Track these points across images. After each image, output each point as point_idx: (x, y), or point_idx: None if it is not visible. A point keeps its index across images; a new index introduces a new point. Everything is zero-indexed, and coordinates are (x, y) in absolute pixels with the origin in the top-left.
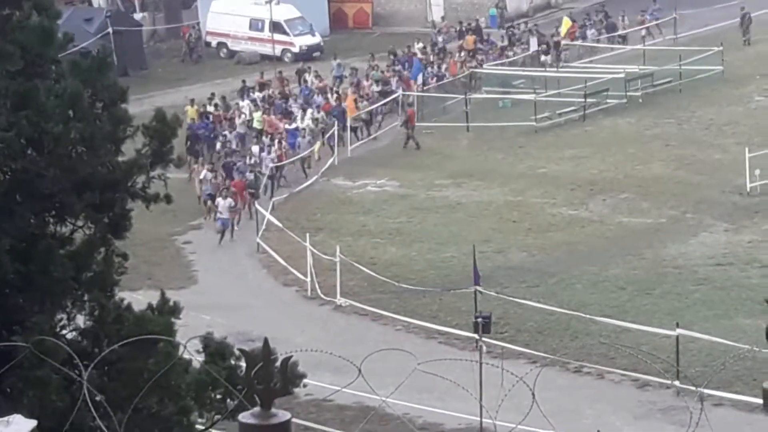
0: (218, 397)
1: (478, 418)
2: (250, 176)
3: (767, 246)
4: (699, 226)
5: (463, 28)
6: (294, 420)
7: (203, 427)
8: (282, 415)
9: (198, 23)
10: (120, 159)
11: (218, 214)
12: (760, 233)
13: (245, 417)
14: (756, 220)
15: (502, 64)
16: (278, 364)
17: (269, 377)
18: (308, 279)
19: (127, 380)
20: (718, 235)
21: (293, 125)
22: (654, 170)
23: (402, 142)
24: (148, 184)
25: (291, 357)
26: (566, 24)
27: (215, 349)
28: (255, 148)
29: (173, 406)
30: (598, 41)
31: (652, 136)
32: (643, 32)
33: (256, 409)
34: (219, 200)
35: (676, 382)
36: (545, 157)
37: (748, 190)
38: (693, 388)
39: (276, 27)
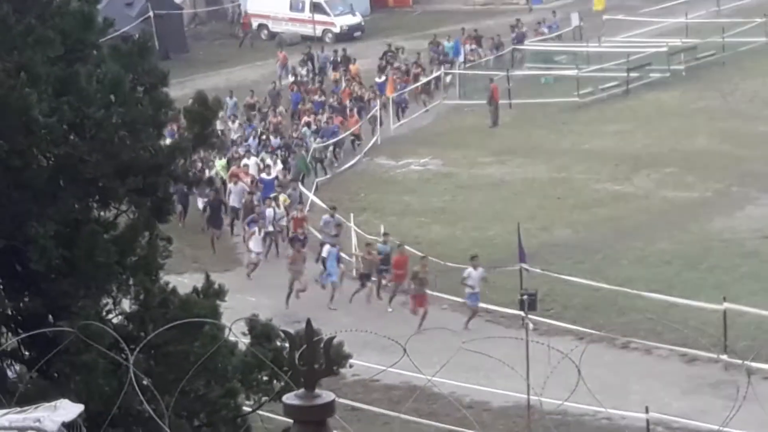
0: (264, 378)
1: (525, 396)
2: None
3: None
4: (745, 199)
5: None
6: (341, 400)
7: (250, 409)
8: (326, 395)
9: (239, 4)
10: (162, 143)
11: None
12: None
13: (289, 398)
14: None
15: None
16: (322, 344)
17: (313, 358)
18: (353, 259)
19: (174, 364)
20: (764, 208)
21: (271, 174)
22: (698, 144)
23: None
24: (190, 167)
25: (334, 337)
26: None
27: (261, 331)
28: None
29: (220, 388)
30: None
31: (695, 109)
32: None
33: (301, 390)
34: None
35: (724, 356)
36: (589, 132)
37: None
38: (740, 362)
39: (316, 7)
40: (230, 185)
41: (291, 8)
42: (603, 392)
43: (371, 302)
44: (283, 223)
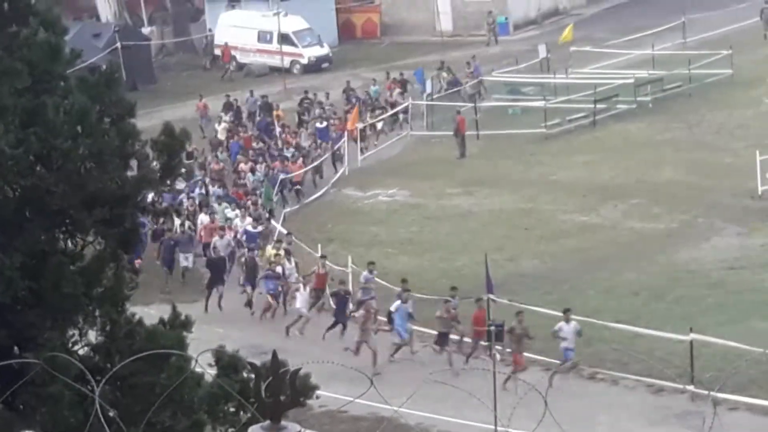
0: (231, 410)
1: (493, 427)
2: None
3: None
4: (711, 230)
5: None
6: None
7: None
8: (292, 427)
9: (207, 36)
10: (129, 174)
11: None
12: None
13: (255, 430)
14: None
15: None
16: (287, 376)
17: (278, 390)
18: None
19: (140, 395)
20: (730, 239)
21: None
22: (665, 175)
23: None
24: (158, 199)
25: (300, 369)
26: (568, 32)
27: (228, 362)
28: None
29: (186, 420)
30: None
31: (662, 141)
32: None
33: (266, 422)
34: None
35: (691, 387)
36: (556, 163)
37: (760, 193)
38: (706, 393)
39: (284, 39)
40: (215, 239)
41: (259, 40)
42: (569, 423)
43: (453, 366)
44: (293, 279)
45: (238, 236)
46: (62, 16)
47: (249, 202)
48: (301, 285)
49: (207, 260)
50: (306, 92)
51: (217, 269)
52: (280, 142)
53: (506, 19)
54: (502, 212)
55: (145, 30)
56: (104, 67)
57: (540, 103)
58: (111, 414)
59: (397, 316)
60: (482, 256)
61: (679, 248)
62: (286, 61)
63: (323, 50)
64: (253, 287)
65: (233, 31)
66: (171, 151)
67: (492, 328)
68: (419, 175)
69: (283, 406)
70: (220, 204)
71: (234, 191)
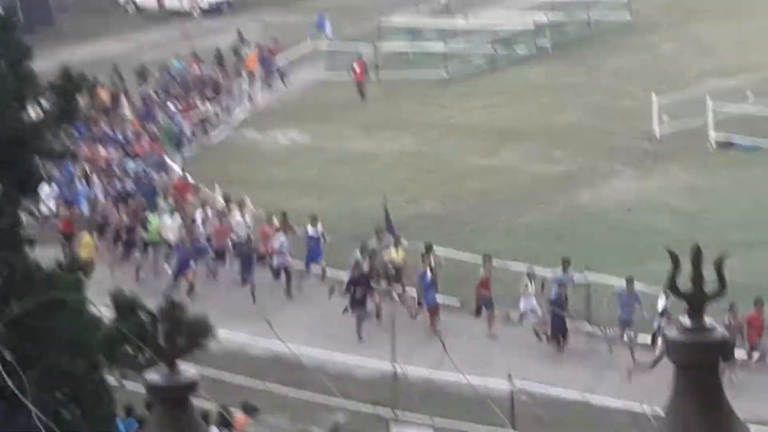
0: (129, 352)
1: (391, 367)
2: None
3: (676, 191)
4: (610, 173)
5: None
6: (205, 371)
7: (114, 383)
8: (188, 373)
9: None
10: (26, 117)
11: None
12: (669, 179)
13: (151, 376)
14: (665, 166)
15: None
16: (184, 320)
17: (174, 335)
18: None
19: (38, 338)
20: (629, 182)
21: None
22: (565, 119)
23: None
24: (55, 141)
25: (199, 314)
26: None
27: (125, 305)
28: None
29: (84, 363)
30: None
31: (562, 85)
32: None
33: (162, 367)
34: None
35: (587, 326)
36: (456, 107)
37: (657, 136)
38: (602, 332)
39: None
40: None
41: None
42: (467, 362)
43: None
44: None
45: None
46: None
47: None
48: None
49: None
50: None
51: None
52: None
53: None
54: (402, 155)
55: None
56: (0, 9)
57: (440, 47)
58: (8, 358)
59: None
60: (383, 198)
61: (579, 191)
62: (185, 4)
63: None
64: None
65: None
66: (68, 95)
67: (393, 268)
68: (320, 117)
69: (180, 351)
70: None
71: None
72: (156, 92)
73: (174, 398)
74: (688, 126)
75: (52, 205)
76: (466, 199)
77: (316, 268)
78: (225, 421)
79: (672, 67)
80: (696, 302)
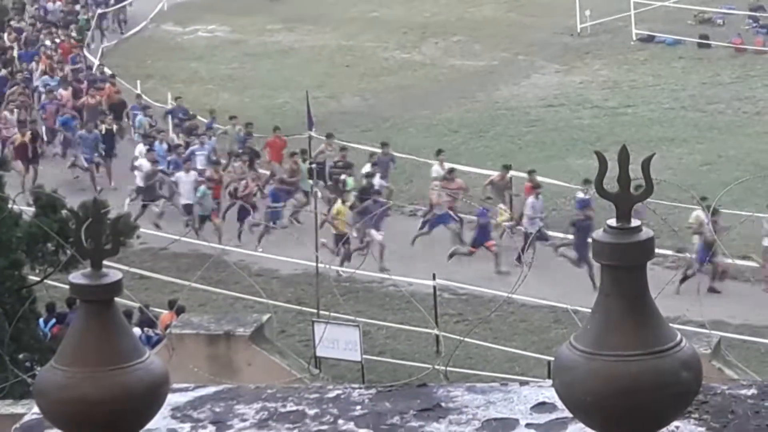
0: (51, 249)
1: (315, 264)
2: None
3: (597, 86)
4: (531, 67)
5: None
6: (128, 269)
7: (36, 280)
8: (113, 274)
9: None
10: None
11: None
12: (590, 74)
13: (75, 277)
14: (587, 61)
15: None
16: (108, 220)
17: (99, 235)
18: None
19: None
20: (549, 77)
21: None
22: (485, 12)
23: None
24: None
25: (122, 215)
26: None
27: (46, 202)
28: None
29: (4, 260)
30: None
31: None
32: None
33: (87, 269)
34: None
35: (510, 223)
36: (377, 1)
37: (579, 30)
38: (524, 229)
39: None
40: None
41: None
42: (390, 260)
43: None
44: None
45: None
46: None
47: None
48: None
49: None
50: None
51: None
52: None
53: None
54: (323, 49)
55: None
56: None
57: None
58: None
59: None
60: (303, 93)
61: (500, 86)
62: None
63: None
64: None
65: None
66: None
67: (313, 165)
68: (239, 11)
69: (105, 252)
70: None
71: None
72: None
73: (99, 299)
74: (610, 20)
75: None
76: (386, 94)
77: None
78: (148, 320)
79: None
80: (623, 203)
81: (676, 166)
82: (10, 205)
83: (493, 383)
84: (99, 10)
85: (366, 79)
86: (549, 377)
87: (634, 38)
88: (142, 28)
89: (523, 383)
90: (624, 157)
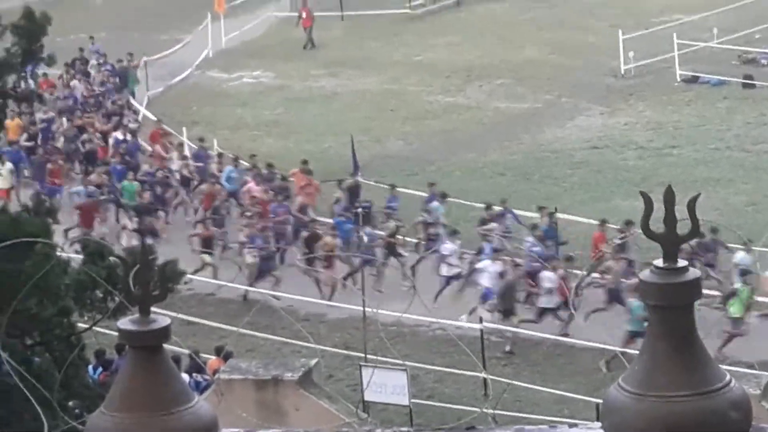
0: (99, 296)
1: (361, 308)
2: None
3: (642, 128)
4: (575, 109)
5: None
6: (176, 315)
7: (85, 327)
8: (161, 320)
9: None
10: None
11: None
12: (634, 115)
13: (124, 323)
14: (631, 102)
15: None
16: (156, 265)
17: (146, 280)
18: None
19: (5, 283)
20: (593, 118)
21: None
22: (528, 54)
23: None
24: (19, 83)
25: (170, 260)
26: None
27: (94, 249)
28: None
29: (52, 307)
30: None
31: (524, 20)
32: None
33: (135, 315)
34: None
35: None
36: (420, 44)
37: (623, 72)
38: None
39: None
40: None
41: None
42: (438, 304)
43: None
44: None
45: None
46: None
47: None
48: None
49: None
50: None
51: None
52: None
53: None
54: (366, 93)
55: None
56: None
57: None
58: None
59: None
60: (348, 137)
61: (544, 128)
62: None
63: None
64: None
65: None
66: (31, 36)
67: (360, 209)
68: (283, 56)
69: (153, 298)
70: None
71: None
72: None
73: (147, 345)
74: (654, 61)
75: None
76: (431, 138)
77: None
78: (197, 366)
79: (637, 2)
80: (670, 244)
81: (722, 207)
82: (58, 253)
83: (542, 426)
84: (145, 58)
85: (410, 123)
86: (598, 419)
87: (678, 79)
88: (187, 75)
89: (572, 425)
90: (670, 198)
